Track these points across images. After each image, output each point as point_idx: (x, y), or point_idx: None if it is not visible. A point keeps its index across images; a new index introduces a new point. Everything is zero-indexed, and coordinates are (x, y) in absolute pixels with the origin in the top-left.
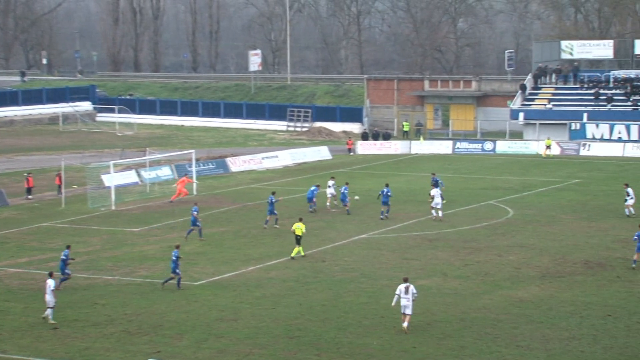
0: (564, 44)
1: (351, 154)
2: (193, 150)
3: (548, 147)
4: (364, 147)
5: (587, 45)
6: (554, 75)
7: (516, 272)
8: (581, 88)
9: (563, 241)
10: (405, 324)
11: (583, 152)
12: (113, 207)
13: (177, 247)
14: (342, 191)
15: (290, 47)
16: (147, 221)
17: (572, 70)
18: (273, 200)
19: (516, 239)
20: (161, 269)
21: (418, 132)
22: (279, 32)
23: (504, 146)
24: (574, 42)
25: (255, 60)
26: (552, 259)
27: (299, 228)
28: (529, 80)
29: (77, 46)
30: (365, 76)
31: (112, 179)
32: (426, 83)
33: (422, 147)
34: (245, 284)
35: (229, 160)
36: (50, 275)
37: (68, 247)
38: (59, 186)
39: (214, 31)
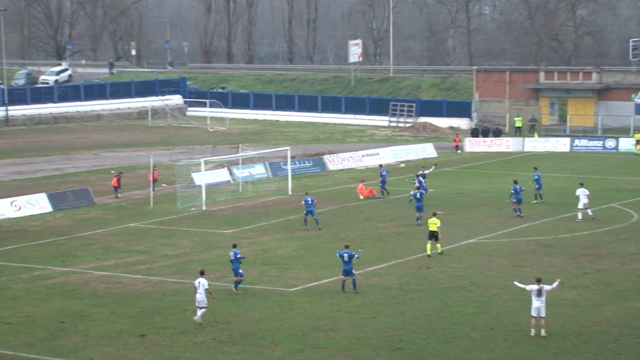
0: None
1: (458, 151)
2: (288, 147)
3: (638, 141)
4: (473, 145)
5: None
6: None
7: None
8: None
9: None
10: (542, 331)
11: None
12: (204, 207)
13: (347, 246)
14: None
15: (393, 36)
16: (239, 222)
17: None
18: (419, 196)
19: None
20: (253, 273)
21: (532, 128)
22: (381, 20)
23: (627, 144)
24: None
25: (355, 50)
26: None
27: (434, 223)
28: None
29: (167, 36)
30: (475, 67)
31: (203, 177)
32: (541, 75)
33: (536, 144)
34: (343, 291)
35: (326, 157)
36: (202, 273)
37: (235, 245)
38: (154, 182)
39: (311, 20)
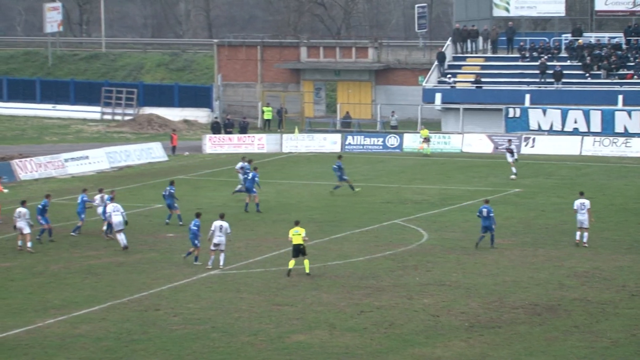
0: None
1: (175, 154)
2: None
3: (426, 139)
4: (214, 144)
5: None
6: (481, 41)
7: (433, 322)
8: (521, 58)
9: (499, 276)
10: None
11: (525, 150)
12: None
13: (487, 201)
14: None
15: None
16: None
17: (507, 34)
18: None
19: (433, 274)
20: None
21: (280, 122)
22: None
23: (414, 141)
24: None
25: (53, 17)
26: (483, 302)
27: (297, 234)
28: (448, 48)
29: None
30: (216, 40)
31: None
32: (303, 51)
33: (297, 143)
34: (41, 344)
35: (15, 163)
36: (222, 217)
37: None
38: None
39: None
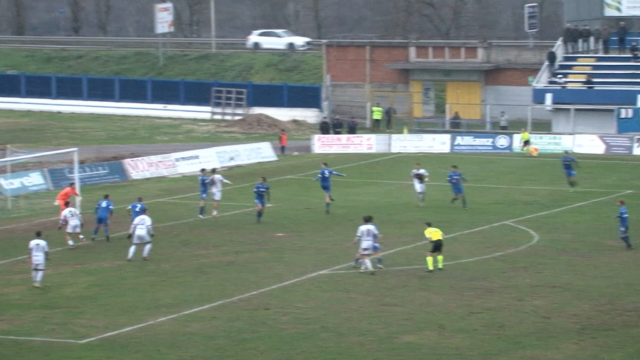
0: None
1: (284, 154)
2: (76, 149)
3: (527, 142)
4: (323, 144)
5: None
6: (593, 41)
7: (544, 324)
8: (633, 59)
9: (611, 279)
10: None
11: (637, 151)
12: None
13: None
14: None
15: None
16: (8, 251)
17: (619, 33)
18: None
19: (544, 276)
20: (30, 320)
21: (388, 122)
22: None
23: (522, 143)
24: None
25: (164, 17)
26: (595, 305)
27: (436, 231)
28: (559, 48)
29: None
30: (325, 41)
31: None
32: (412, 51)
33: (406, 143)
34: (153, 341)
35: (127, 162)
36: (368, 220)
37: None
38: None
39: None
